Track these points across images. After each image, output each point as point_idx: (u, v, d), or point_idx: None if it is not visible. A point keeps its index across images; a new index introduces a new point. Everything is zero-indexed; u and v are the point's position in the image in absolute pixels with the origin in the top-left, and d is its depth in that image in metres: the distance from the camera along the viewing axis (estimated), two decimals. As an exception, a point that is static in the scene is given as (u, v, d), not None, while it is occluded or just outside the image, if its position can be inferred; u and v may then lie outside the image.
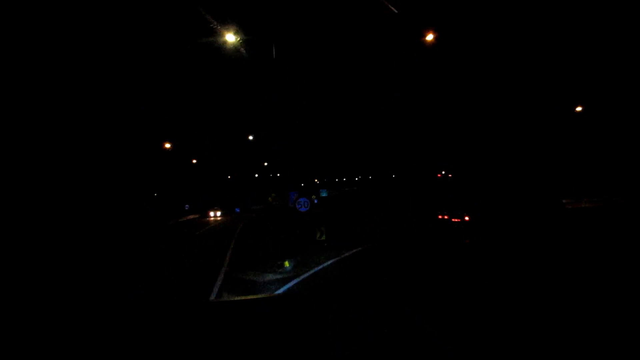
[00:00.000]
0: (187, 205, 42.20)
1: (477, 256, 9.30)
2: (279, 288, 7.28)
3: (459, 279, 6.91)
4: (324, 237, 10.74)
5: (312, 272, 8.43)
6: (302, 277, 7.93)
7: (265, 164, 52.33)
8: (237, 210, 43.18)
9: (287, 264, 8.56)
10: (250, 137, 33.99)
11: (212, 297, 6.68)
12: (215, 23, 11.22)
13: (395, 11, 12.92)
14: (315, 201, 44.29)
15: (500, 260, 8.57)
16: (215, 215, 36.41)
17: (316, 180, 63.47)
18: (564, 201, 15.55)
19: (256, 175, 59.35)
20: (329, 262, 9.21)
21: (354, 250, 10.64)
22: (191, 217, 36.46)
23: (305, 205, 11.24)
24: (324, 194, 41.06)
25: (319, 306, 2.31)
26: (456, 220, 15.55)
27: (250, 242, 14.15)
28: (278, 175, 59.90)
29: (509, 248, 10.03)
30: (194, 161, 38.23)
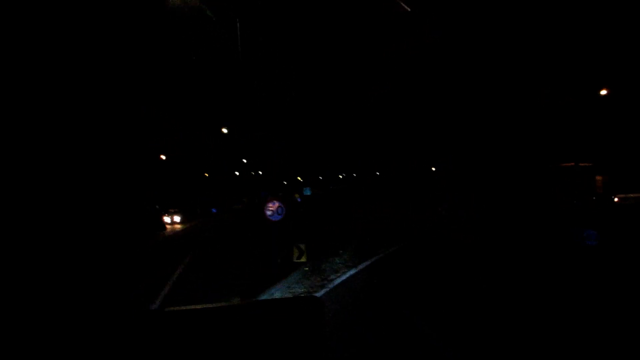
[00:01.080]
0: (157, 206, 38.38)
1: (476, 257, 9.00)
2: None
3: (457, 281, 6.66)
4: (304, 259, 7.67)
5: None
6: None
7: (245, 160, 48.97)
8: (214, 210, 40.15)
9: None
10: (225, 130, 30.44)
11: None
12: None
13: (408, 9, 12.44)
14: (299, 200, 41.68)
15: (499, 261, 8.40)
16: (172, 221, 26.08)
17: (299, 178, 60.62)
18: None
19: (237, 173, 55.94)
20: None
21: (350, 273, 7.76)
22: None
23: (279, 212, 8.16)
24: (307, 193, 38.53)
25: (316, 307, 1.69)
26: None
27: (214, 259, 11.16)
28: (260, 173, 56.65)
29: (507, 249, 9.86)
30: (163, 157, 34.44)
